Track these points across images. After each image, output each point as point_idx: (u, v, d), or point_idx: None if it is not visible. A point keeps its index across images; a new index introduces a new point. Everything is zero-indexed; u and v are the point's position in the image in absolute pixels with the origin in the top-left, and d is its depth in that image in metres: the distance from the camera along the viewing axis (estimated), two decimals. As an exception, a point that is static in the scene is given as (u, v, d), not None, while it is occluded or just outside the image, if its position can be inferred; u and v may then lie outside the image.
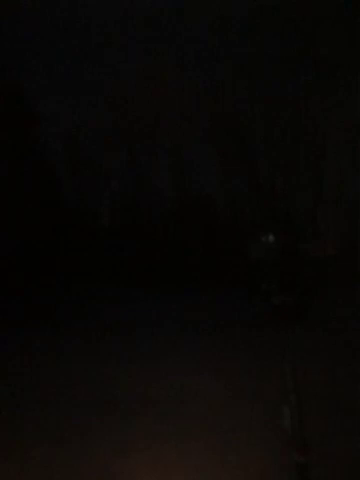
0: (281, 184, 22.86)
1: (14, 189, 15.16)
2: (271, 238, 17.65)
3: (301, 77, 21.60)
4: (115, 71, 23.05)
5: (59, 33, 22.22)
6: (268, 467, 4.43)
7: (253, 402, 6.15)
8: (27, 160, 16.58)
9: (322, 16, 19.96)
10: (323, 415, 5.41)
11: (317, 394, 5.76)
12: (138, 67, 22.74)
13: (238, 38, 21.67)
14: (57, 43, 22.21)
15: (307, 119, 22.17)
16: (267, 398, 5.95)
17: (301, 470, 3.84)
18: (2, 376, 7.69)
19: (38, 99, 18.72)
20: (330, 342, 9.49)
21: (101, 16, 22.57)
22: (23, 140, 16.25)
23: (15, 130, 15.77)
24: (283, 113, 22.28)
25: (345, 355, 8.54)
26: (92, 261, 20.78)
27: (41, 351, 9.32)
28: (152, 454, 4.77)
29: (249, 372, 7.66)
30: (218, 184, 23.65)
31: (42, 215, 16.89)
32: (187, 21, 22.12)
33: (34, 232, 15.94)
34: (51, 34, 22.14)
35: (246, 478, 4.27)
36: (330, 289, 14.54)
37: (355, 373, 7.11)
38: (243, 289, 14.99)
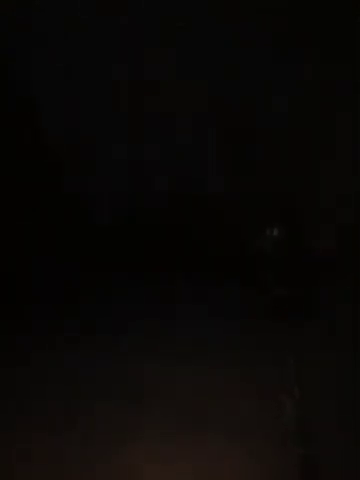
0: (285, 179, 22.89)
1: (15, 186, 15.13)
2: (275, 232, 17.66)
3: (303, 72, 21.57)
4: (118, 67, 23.07)
5: (62, 28, 22.23)
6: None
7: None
8: (28, 157, 16.55)
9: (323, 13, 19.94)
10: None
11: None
12: (140, 63, 22.76)
13: (237, 34, 21.64)
14: (59, 39, 22.21)
15: (310, 115, 22.15)
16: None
17: (303, 461, 3.92)
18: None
19: (39, 96, 18.68)
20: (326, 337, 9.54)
21: (103, 12, 22.56)
22: (24, 137, 16.24)
23: (16, 127, 15.77)
24: (286, 108, 22.26)
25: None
26: (95, 258, 20.83)
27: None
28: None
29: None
30: (222, 178, 23.67)
31: (43, 212, 16.91)
32: (187, 17, 22.10)
33: (35, 230, 15.92)
34: (54, 29, 22.15)
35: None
36: (331, 284, 14.56)
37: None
38: (246, 281, 15.01)
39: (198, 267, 21.40)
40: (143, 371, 7.70)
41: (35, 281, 15.01)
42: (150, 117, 24.37)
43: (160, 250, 22.92)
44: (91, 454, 4.90)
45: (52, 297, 15.61)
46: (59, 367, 8.14)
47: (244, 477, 4.30)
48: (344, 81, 20.95)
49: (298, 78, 22.63)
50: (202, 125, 24.68)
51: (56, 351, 9.24)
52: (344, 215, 21.03)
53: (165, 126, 24.85)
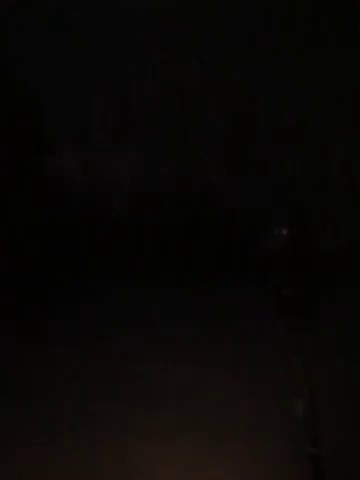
0: (292, 176, 22.83)
1: (22, 188, 15.14)
2: (282, 230, 17.59)
3: (308, 68, 21.51)
4: (121, 66, 23.06)
5: (63, 30, 22.23)
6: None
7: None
8: (36, 159, 16.57)
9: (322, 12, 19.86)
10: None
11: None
12: (144, 63, 22.76)
13: (241, 31, 21.56)
14: (62, 40, 22.21)
15: (315, 111, 22.11)
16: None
17: (314, 461, 3.95)
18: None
19: (45, 97, 18.73)
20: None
21: (103, 11, 22.53)
22: (31, 140, 16.23)
23: (22, 129, 15.75)
24: (290, 105, 22.24)
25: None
26: (103, 256, 20.90)
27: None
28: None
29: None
30: (229, 176, 23.64)
31: (51, 212, 16.98)
32: (188, 13, 22.03)
33: (43, 230, 15.93)
34: (56, 32, 22.14)
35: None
36: (340, 282, 14.50)
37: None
38: (253, 281, 14.97)
39: (208, 266, 21.42)
40: (154, 366, 7.72)
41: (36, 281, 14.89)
42: (160, 119, 24.44)
43: (168, 250, 22.95)
44: (93, 453, 4.90)
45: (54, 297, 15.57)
46: (65, 364, 8.12)
47: (255, 477, 4.33)
48: (350, 82, 20.85)
49: (302, 79, 22.55)
50: (210, 125, 24.70)
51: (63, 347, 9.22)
52: (352, 215, 21.01)
53: (173, 127, 24.88)
